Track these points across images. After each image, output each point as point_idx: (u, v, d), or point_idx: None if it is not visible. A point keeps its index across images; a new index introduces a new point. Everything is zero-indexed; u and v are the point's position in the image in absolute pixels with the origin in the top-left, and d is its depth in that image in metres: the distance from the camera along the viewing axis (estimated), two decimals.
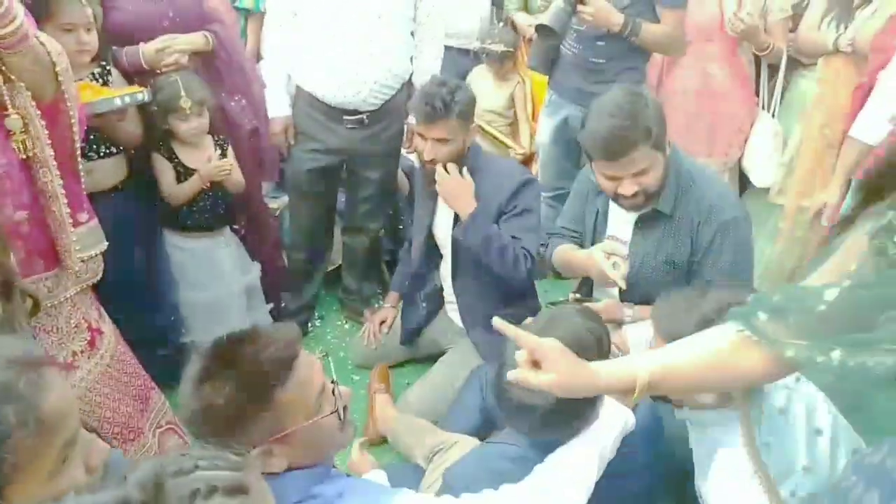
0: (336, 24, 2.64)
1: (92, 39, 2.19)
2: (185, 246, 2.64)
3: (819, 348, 0.98)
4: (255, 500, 0.79)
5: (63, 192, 1.79)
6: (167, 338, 2.62)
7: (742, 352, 1.13)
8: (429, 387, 2.67)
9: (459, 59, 3.74)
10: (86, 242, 1.93)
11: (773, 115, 3.18)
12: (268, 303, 3.00)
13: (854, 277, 1.01)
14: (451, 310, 2.74)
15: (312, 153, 2.87)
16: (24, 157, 1.71)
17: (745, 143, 3.21)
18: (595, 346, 1.53)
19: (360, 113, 2.78)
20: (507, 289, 2.48)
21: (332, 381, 1.31)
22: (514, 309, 2.55)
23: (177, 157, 2.53)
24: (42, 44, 1.66)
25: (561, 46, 2.95)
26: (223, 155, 2.60)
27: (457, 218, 2.46)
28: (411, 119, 2.60)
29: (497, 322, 1.30)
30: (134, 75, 2.43)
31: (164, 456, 0.79)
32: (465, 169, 2.41)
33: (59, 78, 1.73)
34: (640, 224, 2.16)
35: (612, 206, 2.20)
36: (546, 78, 3.16)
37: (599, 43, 2.80)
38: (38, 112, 1.72)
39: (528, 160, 3.71)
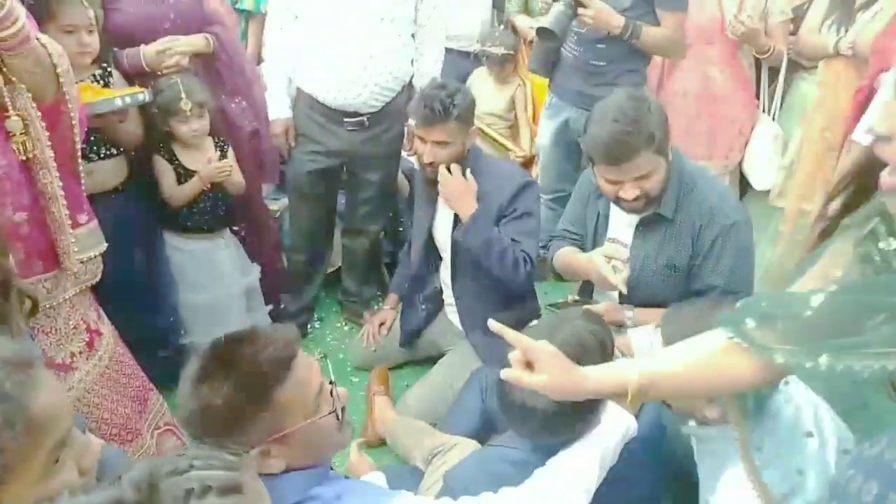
0: (336, 25, 2.64)
1: (93, 41, 2.20)
2: (184, 247, 2.64)
3: (807, 353, 0.99)
4: (250, 499, 0.79)
5: (62, 193, 1.80)
6: (167, 339, 2.62)
7: (732, 357, 1.15)
8: (428, 389, 2.67)
9: (460, 62, 3.74)
10: (85, 244, 1.93)
11: (773, 118, 3.19)
12: (267, 304, 3.00)
13: (840, 283, 1.02)
14: (451, 312, 2.74)
15: (313, 155, 2.87)
16: (24, 158, 1.72)
17: (746, 146, 3.21)
18: (598, 348, 1.53)
19: (361, 115, 2.79)
20: (507, 291, 2.48)
21: (331, 382, 1.31)
22: (513, 311, 2.55)
23: (177, 159, 2.54)
24: (43, 45, 1.66)
25: (561, 49, 2.95)
26: (223, 156, 2.61)
27: (456, 220, 2.46)
28: (412, 121, 2.61)
29: (493, 324, 1.31)
30: (135, 77, 2.43)
31: (159, 456, 0.79)
32: (468, 171, 2.41)
33: (61, 79, 1.73)
34: (642, 227, 2.16)
35: (614, 208, 2.20)
36: (547, 80, 3.17)
37: (600, 45, 2.81)
38: (39, 114, 1.72)
39: (528, 163, 3.71)
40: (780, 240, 3.10)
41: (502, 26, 3.80)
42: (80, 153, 1.90)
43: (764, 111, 3.21)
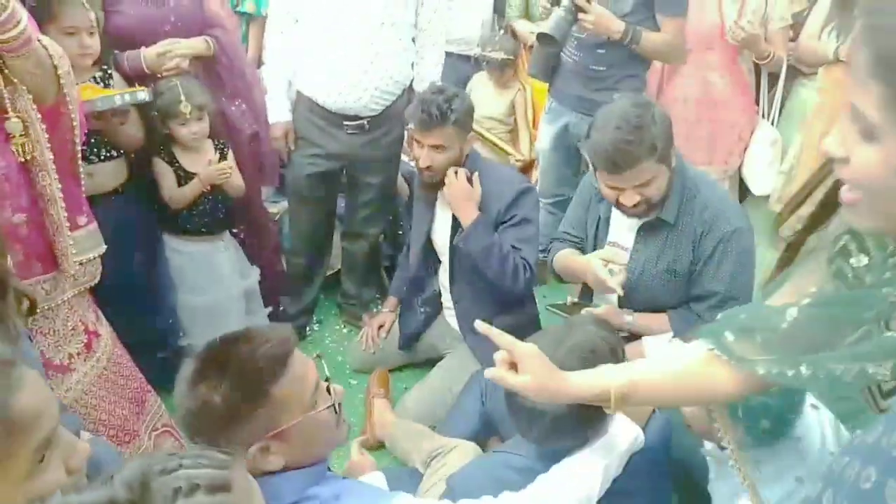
0: (337, 29, 2.65)
1: (94, 43, 2.20)
2: (184, 249, 2.64)
3: (787, 362, 1.01)
4: (239, 497, 0.79)
5: (61, 195, 1.80)
6: (165, 341, 2.62)
7: (712, 368, 1.17)
8: (427, 391, 2.67)
9: (460, 65, 3.75)
10: (84, 246, 1.93)
11: (773, 124, 3.19)
12: (267, 307, 3.00)
13: (813, 298, 1.04)
14: (450, 315, 2.74)
15: (312, 158, 2.87)
16: (24, 160, 1.72)
17: (745, 151, 3.21)
18: (609, 355, 1.53)
19: (361, 118, 2.79)
20: (505, 295, 2.48)
21: (326, 380, 1.31)
22: (511, 315, 2.55)
23: (177, 162, 2.54)
24: (44, 47, 1.67)
25: (561, 54, 2.96)
26: (223, 159, 2.61)
27: (455, 225, 2.46)
28: (412, 125, 2.61)
29: (479, 325, 1.33)
30: (135, 79, 2.43)
31: (150, 455, 0.79)
32: (475, 175, 2.42)
33: (61, 81, 1.74)
34: (643, 231, 2.16)
35: (615, 212, 2.20)
36: (546, 85, 3.17)
37: (600, 50, 2.81)
38: (39, 115, 1.73)
39: (528, 167, 3.72)
40: (780, 245, 3.10)
41: (502, 31, 3.80)
42: (80, 155, 1.90)
43: (763, 117, 3.21)
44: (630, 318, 2.20)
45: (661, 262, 2.14)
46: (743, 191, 3.32)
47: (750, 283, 2.16)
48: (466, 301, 2.60)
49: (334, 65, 2.69)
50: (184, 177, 2.54)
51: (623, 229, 2.22)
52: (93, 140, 2.27)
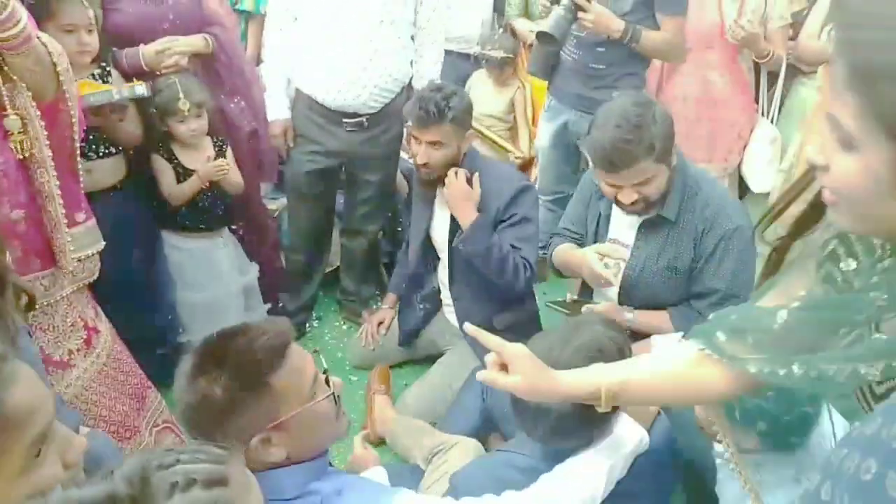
0: (336, 27, 2.65)
1: (93, 40, 2.20)
2: (183, 246, 2.65)
3: (779, 361, 1.02)
4: (236, 492, 0.79)
5: (59, 192, 1.80)
6: (165, 337, 2.62)
7: (703, 368, 1.17)
8: (427, 388, 2.67)
9: (460, 63, 3.75)
10: (82, 242, 1.93)
11: (772, 122, 3.19)
12: (266, 303, 3.00)
13: (802, 301, 1.05)
14: (449, 312, 2.74)
15: (311, 155, 2.87)
16: (22, 157, 1.72)
17: (745, 149, 3.21)
18: (617, 354, 1.52)
19: (360, 116, 2.79)
20: (505, 293, 2.48)
21: (325, 372, 1.32)
22: (511, 313, 2.55)
23: (176, 159, 2.54)
24: (44, 44, 1.68)
25: (561, 52, 2.96)
26: (222, 156, 2.61)
27: (454, 222, 2.46)
28: (409, 121, 2.61)
29: (468, 327, 1.35)
30: (134, 77, 2.42)
31: (148, 451, 0.79)
32: (475, 176, 2.41)
33: (61, 78, 1.74)
34: (644, 229, 2.16)
35: (615, 209, 2.20)
36: (546, 83, 3.17)
37: (599, 49, 2.81)
38: (38, 113, 1.73)
39: (527, 164, 3.72)
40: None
41: (502, 29, 3.80)
42: (78, 152, 1.90)
43: (763, 115, 3.22)
44: (630, 316, 2.20)
45: (662, 259, 2.14)
46: (742, 189, 3.33)
47: (751, 280, 2.16)
48: (466, 299, 2.60)
49: (333, 62, 2.68)
50: (183, 174, 2.54)
51: (624, 226, 2.21)
52: (91, 137, 2.27)
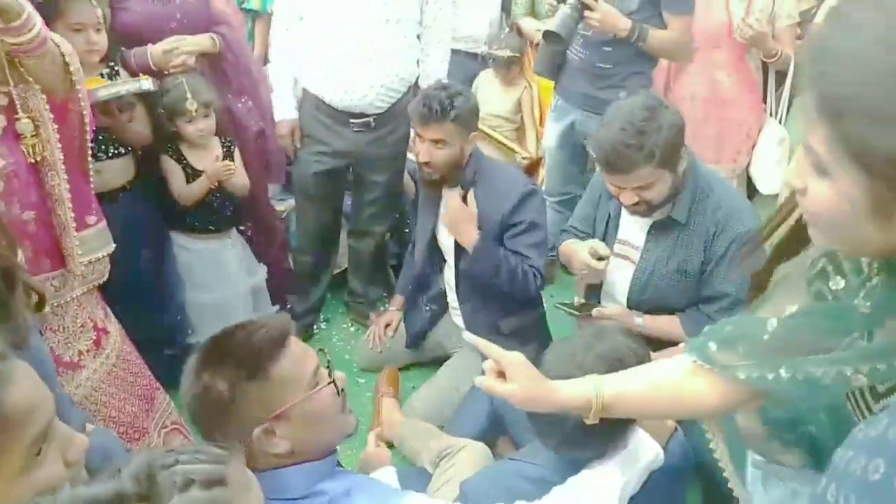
0: (342, 27, 2.64)
1: (101, 40, 2.21)
2: (191, 247, 2.65)
3: (767, 366, 1.03)
4: (235, 492, 0.79)
5: (69, 196, 1.82)
6: (174, 338, 2.62)
7: (696, 380, 1.18)
8: (434, 391, 2.66)
9: (467, 63, 3.74)
10: (92, 245, 1.94)
11: (780, 122, 3.18)
12: (274, 305, 3.00)
13: (794, 312, 1.07)
14: (455, 315, 2.73)
15: (319, 156, 2.87)
16: (34, 161, 1.74)
17: (753, 149, 3.20)
18: (636, 365, 1.52)
19: (367, 116, 2.79)
20: (511, 297, 2.47)
21: (327, 365, 1.32)
22: (518, 317, 2.55)
23: (185, 159, 2.55)
24: (56, 45, 1.70)
25: (567, 52, 2.95)
26: (229, 157, 2.61)
27: None
28: (412, 118, 2.61)
29: (467, 336, 1.34)
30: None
31: (150, 451, 0.79)
32: (470, 194, 2.40)
33: (73, 78, 1.75)
34: (654, 231, 2.14)
35: (625, 210, 2.19)
36: (552, 83, 3.16)
37: (606, 48, 2.80)
38: (52, 115, 1.75)
39: (534, 165, 3.72)
40: None
41: (508, 29, 3.80)
42: (90, 152, 1.91)
43: (771, 115, 3.20)
44: (640, 321, 2.19)
45: (672, 261, 2.12)
46: (751, 190, 3.31)
47: None
48: (472, 302, 2.59)
49: (339, 62, 2.68)
50: (191, 174, 2.54)
51: (634, 228, 2.20)
52: (101, 137, 2.27)
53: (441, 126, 2.32)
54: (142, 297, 2.42)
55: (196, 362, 1.24)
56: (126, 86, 2.25)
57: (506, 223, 2.42)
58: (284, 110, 2.82)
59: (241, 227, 2.86)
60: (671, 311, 2.19)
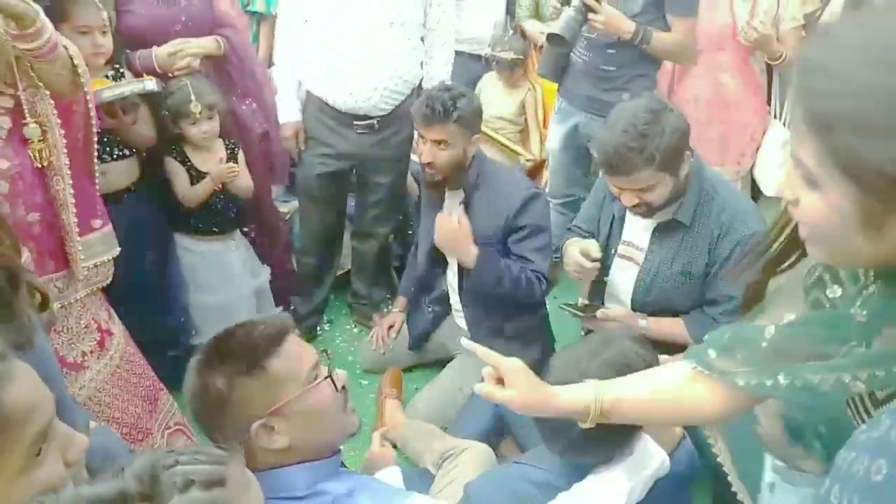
0: (345, 29, 2.65)
1: (107, 42, 2.22)
2: (195, 248, 2.66)
3: (765, 372, 1.03)
4: (234, 492, 0.79)
5: (73, 201, 1.82)
6: (177, 339, 2.62)
7: (696, 386, 1.18)
8: (437, 392, 2.66)
9: (471, 65, 3.75)
10: (97, 249, 1.96)
11: (785, 125, 3.17)
12: (277, 307, 3.00)
13: (791, 320, 1.07)
14: (458, 317, 2.73)
15: (322, 158, 2.87)
16: (40, 165, 1.75)
17: (757, 151, 3.20)
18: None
19: (371, 118, 2.79)
20: (514, 300, 2.47)
21: (328, 362, 1.33)
22: (521, 320, 2.54)
23: (189, 161, 2.55)
24: (65, 47, 1.71)
25: (571, 54, 2.95)
26: (233, 159, 2.62)
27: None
28: (415, 119, 2.61)
29: (465, 342, 1.39)
30: None
31: (156, 451, 0.79)
32: (460, 210, 2.41)
33: (81, 80, 1.77)
34: (658, 232, 2.14)
35: (630, 212, 2.19)
36: (556, 85, 3.16)
37: (610, 51, 2.80)
38: (59, 121, 1.76)
39: (538, 167, 3.71)
40: None
41: (511, 31, 3.80)
42: (96, 154, 1.92)
43: (775, 117, 3.20)
44: (644, 323, 2.19)
45: (676, 263, 2.12)
46: (755, 191, 3.31)
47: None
48: (476, 306, 2.59)
49: (343, 65, 2.69)
50: (196, 176, 2.55)
51: (639, 229, 2.20)
52: (105, 139, 2.28)
53: (444, 127, 2.33)
54: (146, 299, 2.43)
55: (197, 361, 1.25)
56: (130, 86, 2.26)
57: (509, 227, 2.41)
58: (288, 113, 2.83)
59: (245, 229, 2.86)
60: (675, 313, 2.19)
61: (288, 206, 3.21)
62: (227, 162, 2.58)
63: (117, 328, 2.08)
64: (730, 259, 2.05)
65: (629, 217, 2.20)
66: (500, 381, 1.30)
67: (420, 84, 2.92)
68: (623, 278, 2.24)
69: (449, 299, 2.78)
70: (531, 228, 2.41)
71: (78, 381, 1.92)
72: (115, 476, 0.75)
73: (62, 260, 1.87)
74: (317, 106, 2.81)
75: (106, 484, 0.74)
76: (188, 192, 2.54)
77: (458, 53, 3.11)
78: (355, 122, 2.79)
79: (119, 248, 2.04)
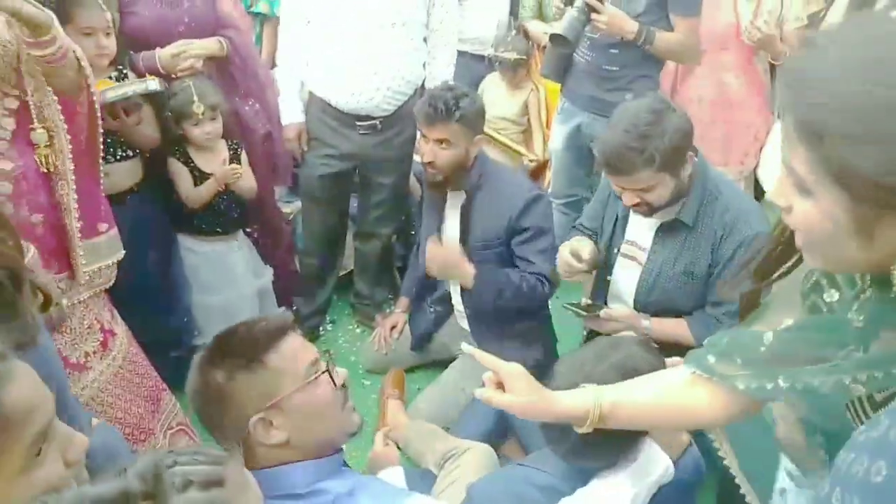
0: (348, 30, 2.65)
1: (111, 43, 2.22)
2: (198, 249, 2.66)
3: (765, 376, 1.04)
4: (232, 492, 0.80)
5: (76, 206, 1.83)
6: (180, 340, 2.63)
7: (696, 390, 1.18)
8: (439, 393, 2.66)
9: (473, 65, 3.74)
10: (102, 252, 1.97)
11: None
12: (280, 307, 3.00)
13: (789, 325, 1.08)
14: (460, 318, 2.73)
15: (325, 159, 2.88)
16: (46, 170, 1.76)
17: (761, 151, 3.19)
18: None
19: (373, 119, 2.80)
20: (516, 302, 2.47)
21: (327, 358, 1.33)
22: (523, 322, 2.54)
23: (192, 162, 2.56)
24: (73, 50, 1.72)
25: (574, 54, 2.95)
26: (236, 159, 2.62)
27: (464, 226, 2.46)
28: (418, 118, 2.61)
29: (466, 347, 1.39)
30: None
31: (159, 450, 0.79)
32: (443, 237, 2.45)
33: (88, 81, 1.78)
34: (661, 232, 2.14)
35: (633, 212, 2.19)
36: (559, 85, 3.16)
37: (613, 51, 2.79)
38: (66, 126, 1.76)
39: (542, 167, 3.71)
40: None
41: (515, 31, 3.80)
42: (101, 156, 1.93)
43: (778, 117, 3.19)
44: (647, 323, 2.18)
45: (679, 263, 2.11)
46: (758, 191, 3.30)
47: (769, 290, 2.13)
48: (477, 307, 2.59)
49: (345, 65, 2.69)
50: (199, 177, 2.55)
51: (642, 229, 2.19)
52: (109, 140, 2.28)
53: (446, 126, 2.33)
54: (148, 299, 2.44)
55: (200, 358, 1.27)
56: (133, 86, 2.26)
57: (512, 228, 2.41)
58: (291, 113, 2.83)
59: (248, 230, 2.87)
60: (678, 313, 2.18)
61: (291, 207, 3.22)
62: (231, 163, 2.59)
63: (120, 328, 2.09)
64: (732, 260, 2.04)
65: (632, 216, 2.20)
66: (500, 385, 1.30)
67: (423, 84, 2.92)
68: (626, 278, 2.23)
69: (451, 300, 2.78)
70: (534, 230, 2.41)
71: (81, 381, 1.93)
72: (118, 475, 0.75)
73: (66, 261, 1.87)
74: (319, 107, 2.81)
75: (108, 483, 0.74)
76: (191, 193, 2.55)
77: (461, 54, 3.11)
78: (358, 123, 2.79)
79: (123, 252, 2.04)
